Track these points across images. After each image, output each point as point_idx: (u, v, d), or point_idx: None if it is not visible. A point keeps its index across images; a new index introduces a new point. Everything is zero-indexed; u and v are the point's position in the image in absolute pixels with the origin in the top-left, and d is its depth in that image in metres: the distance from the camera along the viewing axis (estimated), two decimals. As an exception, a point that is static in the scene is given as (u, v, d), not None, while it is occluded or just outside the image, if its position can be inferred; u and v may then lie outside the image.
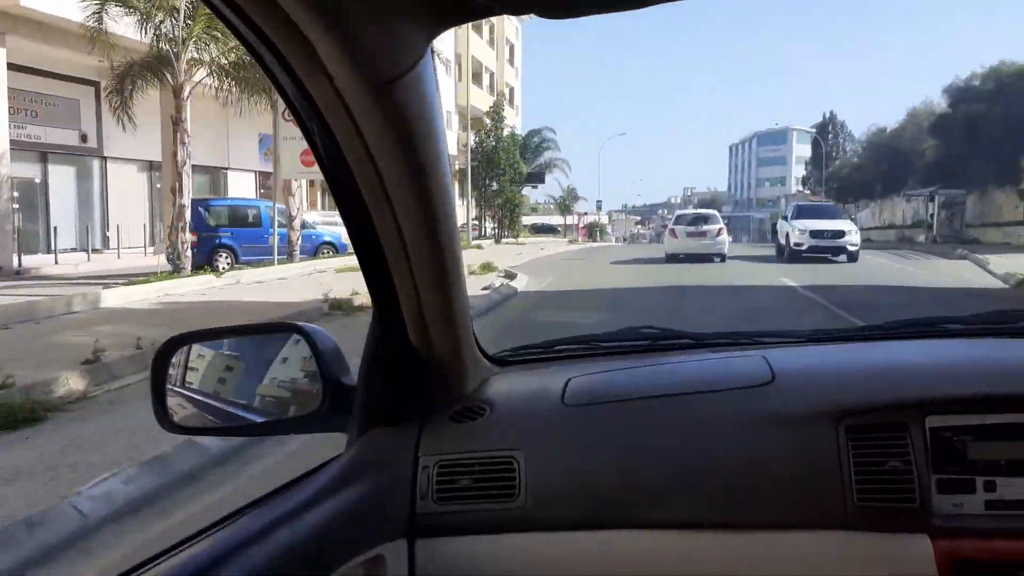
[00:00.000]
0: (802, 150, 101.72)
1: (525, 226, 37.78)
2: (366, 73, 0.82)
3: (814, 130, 63.75)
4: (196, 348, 1.27)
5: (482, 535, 1.08)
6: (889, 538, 1.01)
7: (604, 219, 70.30)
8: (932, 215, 29.28)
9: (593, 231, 55.45)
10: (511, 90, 45.30)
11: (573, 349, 1.53)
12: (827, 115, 61.71)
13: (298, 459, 3.50)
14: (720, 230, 20.72)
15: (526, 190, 39.51)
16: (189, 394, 1.24)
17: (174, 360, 1.23)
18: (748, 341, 1.44)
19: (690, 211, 25.65)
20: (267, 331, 1.35)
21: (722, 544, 1.04)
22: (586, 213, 56.74)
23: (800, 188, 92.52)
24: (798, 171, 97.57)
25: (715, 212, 23.23)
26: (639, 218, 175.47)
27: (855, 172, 42.16)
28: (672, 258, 20.38)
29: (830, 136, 60.12)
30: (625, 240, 62.99)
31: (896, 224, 37.20)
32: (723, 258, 19.91)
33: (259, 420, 1.23)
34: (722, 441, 1.09)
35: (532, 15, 0.76)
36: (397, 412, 1.18)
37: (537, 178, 39.83)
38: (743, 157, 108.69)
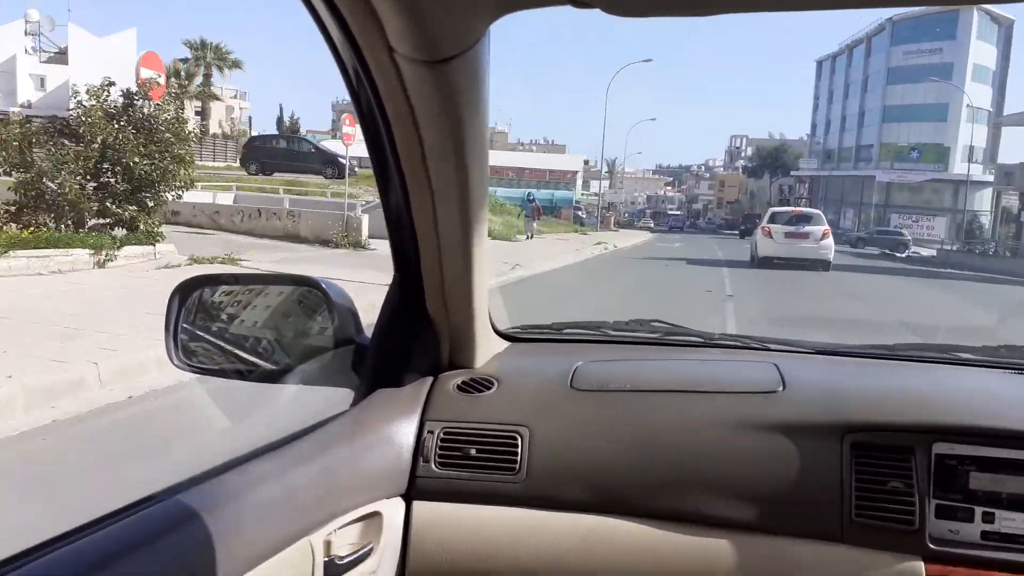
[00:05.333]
0: (984, 53, 50.87)
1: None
2: (426, 49, 0.92)
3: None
4: (212, 290, 1.41)
5: (479, 504, 1.24)
6: (883, 556, 1.15)
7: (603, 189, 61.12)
8: None
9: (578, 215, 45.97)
10: None
11: (582, 334, 1.70)
12: None
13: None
14: (825, 233, 19.68)
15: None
16: (202, 334, 1.37)
17: (191, 299, 1.37)
18: (758, 346, 1.63)
19: (788, 209, 24.94)
20: (285, 282, 1.47)
21: (714, 542, 1.19)
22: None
23: (980, 124, 49.45)
24: (977, 91, 48.03)
25: (819, 212, 22.47)
26: (670, 179, 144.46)
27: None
28: (764, 263, 19.74)
29: None
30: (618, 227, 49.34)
31: None
32: (827, 266, 19.54)
33: (269, 367, 1.36)
34: (726, 442, 1.24)
35: (598, 8, 0.82)
36: (407, 376, 1.34)
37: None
38: (852, 73, 60.18)
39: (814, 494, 1.19)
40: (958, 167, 59.72)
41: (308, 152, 28.00)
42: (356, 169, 28.73)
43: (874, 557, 1.15)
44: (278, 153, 27.35)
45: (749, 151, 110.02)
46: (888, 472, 1.19)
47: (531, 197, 27.14)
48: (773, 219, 20.36)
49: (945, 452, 1.19)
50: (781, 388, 1.33)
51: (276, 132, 35.67)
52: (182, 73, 40.57)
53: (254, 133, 58.60)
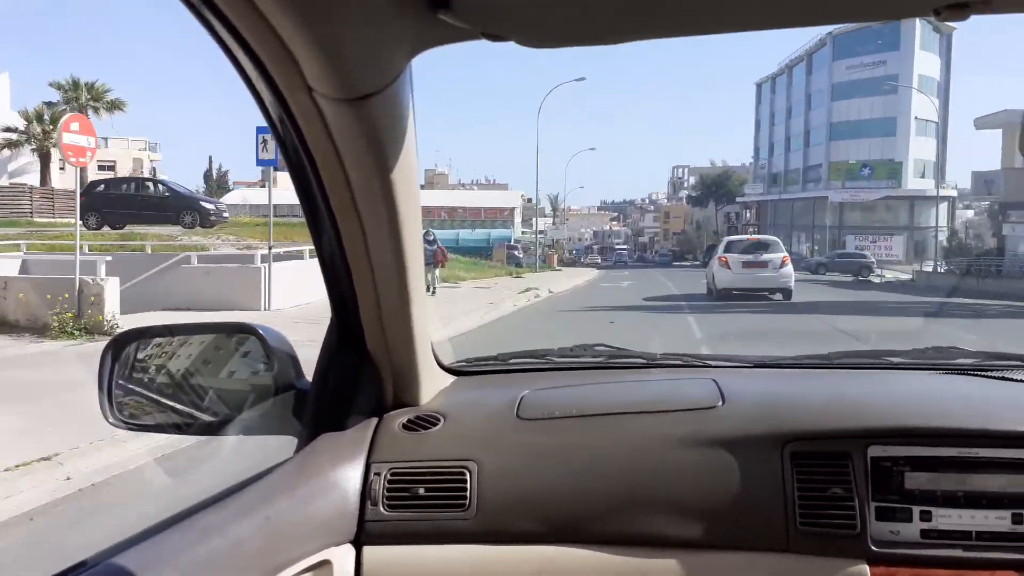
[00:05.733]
0: (928, 63, 48.47)
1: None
2: (344, 87, 0.93)
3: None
4: (146, 344, 1.39)
5: (431, 544, 1.23)
6: (829, 563, 1.18)
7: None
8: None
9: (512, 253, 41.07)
10: None
11: (528, 363, 1.70)
12: None
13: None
14: (784, 260, 19.50)
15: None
16: (138, 389, 1.34)
17: (124, 354, 1.34)
18: (699, 364, 1.66)
19: (744, 237, 24.64)
20: (220, 330, 1.45)
21: (666, 562, 1.20)
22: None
23: (924, 136, 48.05)
24: (923, 103, 45.55)
25: (776, 239, 21.50)
26: (615, 214, 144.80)
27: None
28: (723, 295, 19.16)
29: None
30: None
31: None
32: (788, 294, 19.19)
33: (208, 419, 1.34)
34: (671, 460, 1.26)
35: (512, 41, 0.86)
36: (350, 418, 1.33)
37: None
38: (793, 93, 57.38)
39: (759, 506, 1.21)
40: (911, 183, 57.46)
41: (160, 197, 23.06)
42: (224, 214, 23.65)
43: (820, 564, 1.18)
44: (123, 200, 22.28)
45: (692, 180, 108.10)
46: (827, 479, 1.21)
47: (431, 237, 19.19)
48: (729, 248, 19.79)
49: (880, 455, 1.22)
50: (720, 403, 1.35)
51: (136, 176, 30.00)
52: (45, 118, 35.59)
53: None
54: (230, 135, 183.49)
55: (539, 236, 65.53)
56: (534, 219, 69.08)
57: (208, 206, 23.16)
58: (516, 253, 41.81)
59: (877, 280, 34.71)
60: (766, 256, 18.80)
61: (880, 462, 1.22)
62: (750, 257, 18.74)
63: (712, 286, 19.74)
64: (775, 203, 69.54)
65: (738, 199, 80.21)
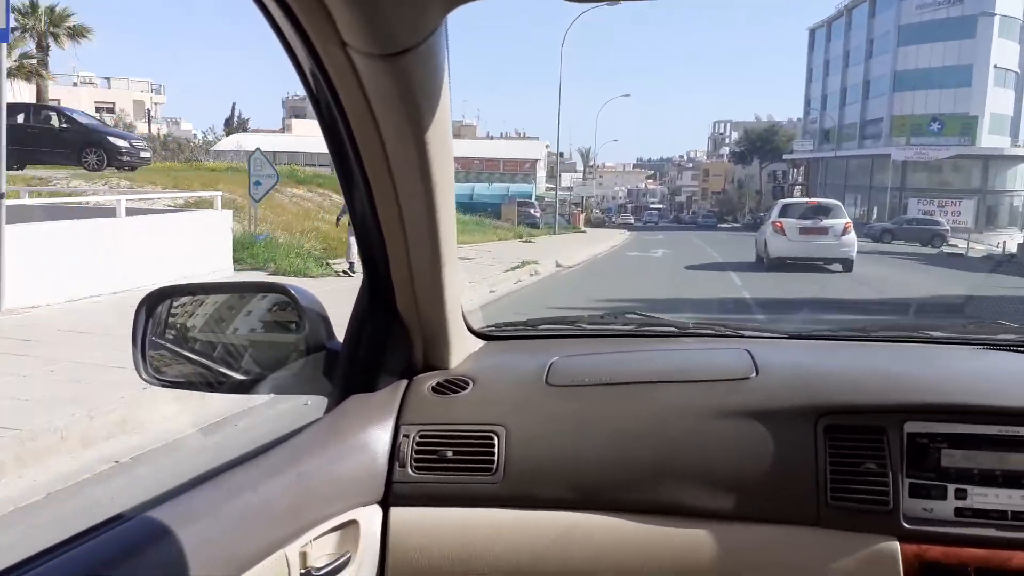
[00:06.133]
0: (1010, 2, 40.58)
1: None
2: (379, 42, 0.91)
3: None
4: (180, 301, 1.38)
5: (457, 507, 1.23)
6: (859, 538, 1.16)
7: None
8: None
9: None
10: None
11: (558, 329, 1.69)
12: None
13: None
14: (847, 227, 17.23)
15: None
16: (171, 346, 1.34)
17: (157, 311, 1.34)
18: (731, 334, 1.63)
19: (803, 200, 21.62)
20: (253, 290, 1.45)
21: (695, 533, 1.19)
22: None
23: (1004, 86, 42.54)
24: (1003, 52, 37.92)
25: (838, 203, 19.14)
26: (651, 172, 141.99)
27: None
28: (775, 264, 17.25)
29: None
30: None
31: None
32: (849, 265, 17.16)
33: (240, 378, 1.34)
34: (702, 431, 1.24)
35: None
36: (380, 380, 1.33)
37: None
38: (852, 38, 50.13)
39: (789, 479, 1.20)
40: (986, 140, 50.99)
41: (59, 130, 17.63)
42: (143, 154, 18.09)
43: (850, 539, 1.16)
44: (16, 134, 14.91)
45: (735, 136, 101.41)
46: (861, 453, 1.20)
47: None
48: (785, 212, 18.01)
49: (916, 431, 1.20)
50: (754, 374, 1.33)
51: (33, 103, 22.94)
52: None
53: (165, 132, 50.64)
54: (256, 84, 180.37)
55: (568, 193, 60.87)
56: (565, 175, 64.13)
57: (119, 142, 17.83)
58: (532, 212, 36.41)
59: (961, 252, 28.66)
60: (827, 222, 17.05)
61: (916, 438, 1.19)
62: (808, 223, 17.00)
63: (763, 254, 18.13)
64: (827, 161, 63.26)
65: (785, 156, 74.24)
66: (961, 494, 1.16)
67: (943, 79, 51.86)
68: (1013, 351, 1.45)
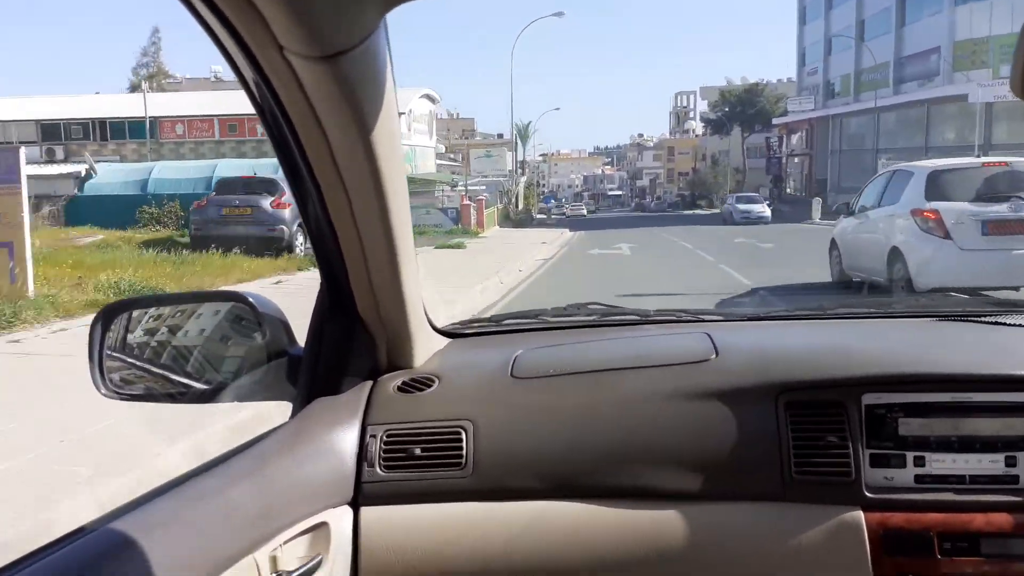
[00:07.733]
0: None
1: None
2: (317, 44, 0.90)
3: None
4: (137, 314, 1.38)
5: (427, 503, 1.24)
6: (824, 510, 1.19)
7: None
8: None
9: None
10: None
11: (521, 323, 1.70)
12: None
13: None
14: None
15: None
16: (129, 360, 1.34)
17: (114, 324, 1.33)
18: (692, 319, 1.65)
19: (968, 162, 9.81)
20: (209, 299, 1.48)
21: (663, 514, 1.21)
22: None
23: None
24: None
25: None
26: (607, 159, 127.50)
27: None
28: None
29: None
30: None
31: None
32: None
33: (201, 387, 1.35)
34: (665, 414, 1.26)
35: None
36: (344, 382, 1.33)
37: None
38: None
39: (753, 456, 1.22)
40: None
41: None
42: None
43: (815, 511, 1.19)
44: None
45: (703, 105, 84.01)
46: (822, 427, 1.23)
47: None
48: (942, 190, 8.44)
49: (874, 402, 1.23)
50: (714, 356, 1.36)
51: None
52: None
53: None
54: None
55: (504, 179, 44.24)
56: (508, 155, 47.10)
57: None
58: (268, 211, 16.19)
59: None
60: None
61: (874, 409, 1.23)
62: (1001, 211, 8.00)
63: (878, 273, 9.00)
64: (840, 120, 45.35)
65: (775, 121, 56.64)
66: (920, 461, 1.20)
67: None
68: (964, 321, 1.52)
